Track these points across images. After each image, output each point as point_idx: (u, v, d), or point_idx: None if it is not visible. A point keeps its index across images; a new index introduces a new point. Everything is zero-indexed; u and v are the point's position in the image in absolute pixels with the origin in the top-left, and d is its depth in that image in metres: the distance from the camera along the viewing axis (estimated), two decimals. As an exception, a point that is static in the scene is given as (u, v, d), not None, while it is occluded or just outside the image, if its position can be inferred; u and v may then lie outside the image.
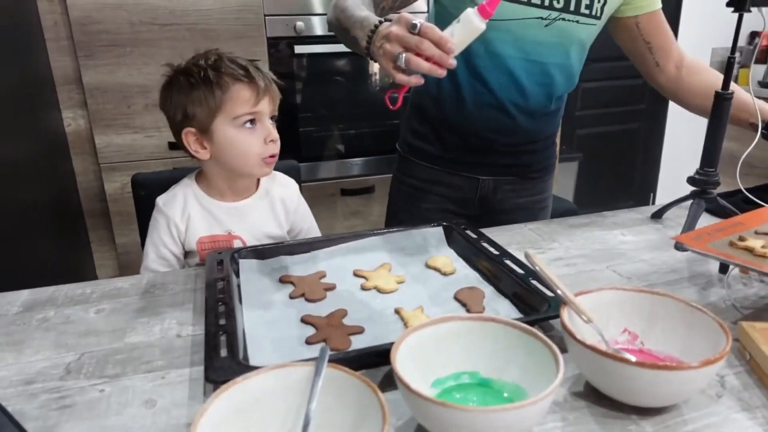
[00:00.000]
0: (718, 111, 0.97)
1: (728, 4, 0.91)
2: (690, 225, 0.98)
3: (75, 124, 1.89)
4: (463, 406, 0.46)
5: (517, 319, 0.61)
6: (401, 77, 0.72)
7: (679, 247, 0.95)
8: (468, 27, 0.70)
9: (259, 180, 1.02)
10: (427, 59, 0.70)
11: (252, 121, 0.92)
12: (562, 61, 1.10)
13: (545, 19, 1.02)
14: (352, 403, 0.49)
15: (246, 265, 0.87)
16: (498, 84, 1.07)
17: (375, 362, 0.62)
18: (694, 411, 0.56)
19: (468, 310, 0.74)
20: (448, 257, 0.90)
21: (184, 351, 0.68)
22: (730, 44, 0.97)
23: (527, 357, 0.55)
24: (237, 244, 0.96)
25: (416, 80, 0.72)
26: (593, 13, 1.04)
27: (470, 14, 0.69)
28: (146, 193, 1.14)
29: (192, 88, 0.91)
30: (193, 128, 0.93)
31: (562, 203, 2.11)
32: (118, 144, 1.86)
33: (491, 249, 0.87)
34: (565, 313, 0.59)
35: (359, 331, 0.69)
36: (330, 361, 0.52)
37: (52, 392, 0.60)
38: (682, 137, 3.42)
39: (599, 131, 3.30)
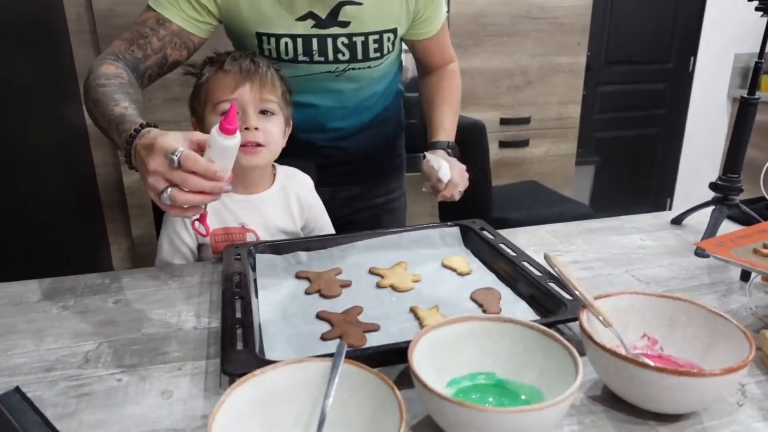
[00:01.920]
0: (743, 117, 0.95)
1: (758, 8, 0.89)
2: (711, 231, 0.96)
3: (95, 117, 1.91)
4: (481, 406, 0.46)
5: (535, 321, 0.61)
6: (176, 212, 0.64)
7: (700, 252, 0.94)
8: (220, 148, 0.63)
9: (274, 175, 1.02)
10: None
11: None
12: (368, 95, 1.14)
13: (333, 72, 1.04)
14: (368, 399, 0.49)
15: (262, 259, 0.87)
16: (308, 125, 1.11)
17: (390, 360, 0.61)
18: (714, 419, 0.55)
19: (484, 311, 0.74)
20: (464, 257, 0.90)
21: (200, 343, 0.68)
22: (752, 50, 0.96)
23: (545, 359, 0.54)
24: (250, 237, 0.96)
25: (193, 212, 0.65)
26: (385, 53, 1.06)
27: (215, 136, 0.62)
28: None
29: (195, 83, 0.94)
30: (194, 120, 0.96)
31: (578, 206, 2.09)
32: (137, 137, 1.88)
33: (508, 250, 0.87)
34: (584, 317, 0.59)
35: (375, 328, 0.69)
36: (346, 357, 0.52)
37: (71, 380, 0.61)
38: (701, 144, 3.38)
39: (617, 135, 3.27)
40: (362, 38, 1.01)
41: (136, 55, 0.91)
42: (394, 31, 1.03)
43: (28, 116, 1.42)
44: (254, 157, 0.91)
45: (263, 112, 0.91)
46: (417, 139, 1.30)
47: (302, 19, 0.97)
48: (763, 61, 0.93)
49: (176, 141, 0.63)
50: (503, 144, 2.26)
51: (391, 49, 1.06)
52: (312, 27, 0.98)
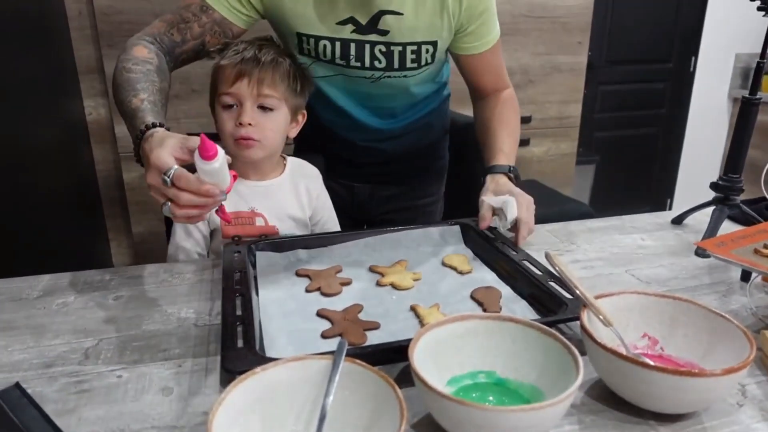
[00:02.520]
0: (744, 117, 0.95)
1: (759, 8, 0.89)
2: (712, 231, 0.96)
3: (96, 113, 1.91)
4: (482, 404, 0.46)
5: (535, 320, 0.61)
6: (180, 220, 0.66)
7: (700, 252, 0.94)
8: (205, 172, 0.63)
9: (284, 165, 1.03)
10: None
11: (230, 104, 0.91)
12: (405, 102, 1.13)
13: (369, 78, 1.04)
14: (369, 397, 0.49)
15: (263, 257, 0.87)
16: (345, 124, 1.12)
17: (390, 358, 0.61)
18: (714, 419, 0.55)
19: (485, 310, 0.73)
20: (464, 256, 0.90)
21: (200, 340, 0.68)
22: (753, 50, 0.96)
23: (545, 358, 0.54)
24: (259, 221, 0.97)
25: (198, 219, 0.68)
26: (422, 64, 1.04)
27: (198, 163, 0.63)
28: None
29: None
30: (210, 98, 0.96)
31: (578, 206, 2.08)
32: (138, 134, 1.88)
33: (509, 249, 0.87)
34: (585, 316, 0.59)
35: (375, 326, 0.69)
36: (347, 355, 0.52)
37: (71, 376, 0.61)
38: (702, 144, 3.38)
39: (617, 134, 3.26)
40: (400, 48, 1.00)
41: (174, 38, 0.93)
42: (434, 43, 1.01)
43: (28, 113, 1.42)
44: (248, 150, 0.92)
45: (261, 107, 0.91)
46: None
47: (343, 23, 0.97)
48: (764, 61, 0.93)
49: (169, 157, 0.64)
50: (504, 143, 2.26)
51: (429, 60, 1.04)
52: (351, 32, 0.98)
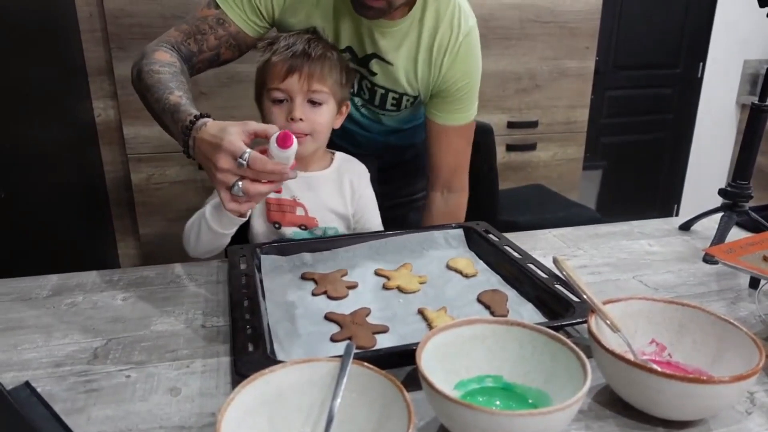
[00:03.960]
0: (754, 123, 0.95)
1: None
2: (720, 238, 0.96)
3: (105, 115, 1.92)
4: (489, 408, 0.46)
5: (542, 324, 0.61)
6: (232, 206, 0.70)
7: (708, 259, 0.93)
8: (279, 156, 0.69)
9: (332, 159, 1.03)
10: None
11: (280, 99, 0.91)
12: (384, 129, 1.15)
13: (354, 102, 1.08)
14: (376, 400, 0.49)
15: (268, 261, 0.88)
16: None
17: (398, 362, 0.61)
18: (723, 427, 0.55)
19: (492, 313, 0.73)
20: (469, 259, 0.90)
21: (208, 341, 0.69)
22: (762, 56, 0.95)
23: (553, 363, 0.54)
24: (299, 212, 0.97)
25: (248, 206, 0.72)
26: (402, 108, 1.07)
27: (273, 148, 0.69)
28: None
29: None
30: (257, 91, 0.97)
31: (585, 211, 2.08)
32: (146, 136, 1.88)
33: (513, 252, 0.87)
34: (593, 321, 0.59)
35: (384, 330, 0.69)
36: (355, 358, 0.52)
37: (80, 375, 0.61)
38: (710, 150, 3.36)
39: (625, 140, 3.25)
40: (382, 91, 1.03)
41: (191, 48, 0.95)
42: (416, 96, 1.05)
43: (37, 113, 1.43)
44: (300, 145, 0.92)
45: (311, 101, 0.92)
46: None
47: (342, 51, 1.00)
48: (774, 67, 0.93)
49: (240, 142, 0.68)
50: (510, 147, 2.25)
51: (408, 106, 1.07)
52: (348, 60, 1.01)
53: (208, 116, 0.76)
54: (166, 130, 0.84)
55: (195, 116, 0.75)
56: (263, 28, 0.99)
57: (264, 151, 0.70)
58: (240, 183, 0.69)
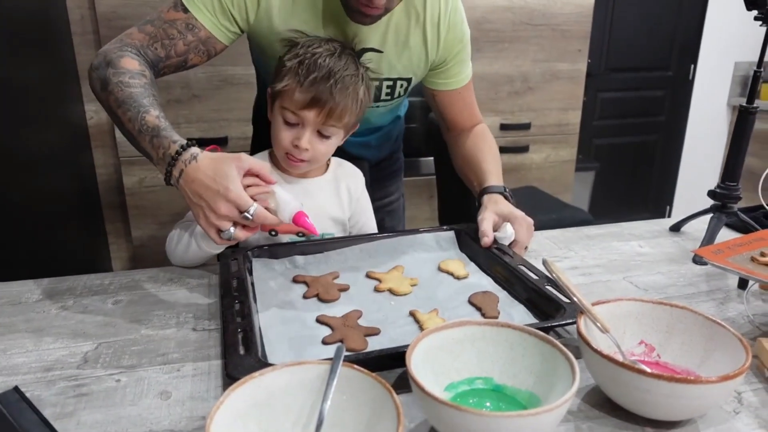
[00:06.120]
0: (742, 125, 0.96)
1: (757, 18, 0.90)
2: (709, 239, 0.97)
3: (97, 118, 1.91)
4: (479, 410, 0.46)
5: (532, 325, 0.61)
6: (222, 243, 0.74)
7: (697, 260, 0.94)
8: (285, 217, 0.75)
9: (328, 164, 1.02)
10: None
11: (293, 123, 0.89)
12: (370, 126, 1.13)
13: None
14: (366, 403, 0.49)
15: (259, 264, 0.88)
16: None
17: (388, 364, 0.62)
18: (711, 426, 0.55)
19: (483, 314, 0.74)
20: (460, 261, 0.90)
21: (199, 345, 0.69)
22: (753, 58, 0.96)
23: (542, 364, 0.55)
24: None
25: (236, 241, 0.75)
26: (395, 96, 1.06)
27: (286, 218, 0.75)
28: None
29: (276, 70, 0.92)
30: (270, 92, 0.93)
31: (577, 213, 2.09)
32: (138, 138, 1.88)
33: (504, 254, 0.87)
34: (582, 322, 0.59)
35: (376, 332, 0.69)
36: (345, 361, 0.53)
37: (70, 380, 0.61)
38: (701, 152, 3.39)
39: (617, 142, 3.27)
40: (377, 83, 1.02)
41: (158, 53, 0.90)
42: (408, 80, 1.04)
43: (29, 116, 1.42)
44: (295, 166, 0.93)
45: (321, 132, 0.90)
46: (415, 143, 1.28)
47: None
48: (761, 70, 0.94)
49: (245, 194, 0.71)
50: (503, 149, 2.23)
51: (402, 93, 1.06)
52: (369, 76, 0.98)
53: (194, 144, 0.75)
54: (137, 149, 0.80)
55: (181, 146, 0.74)
56: (234, 34, 0.94)
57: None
58: (233, 229, 0.72)
